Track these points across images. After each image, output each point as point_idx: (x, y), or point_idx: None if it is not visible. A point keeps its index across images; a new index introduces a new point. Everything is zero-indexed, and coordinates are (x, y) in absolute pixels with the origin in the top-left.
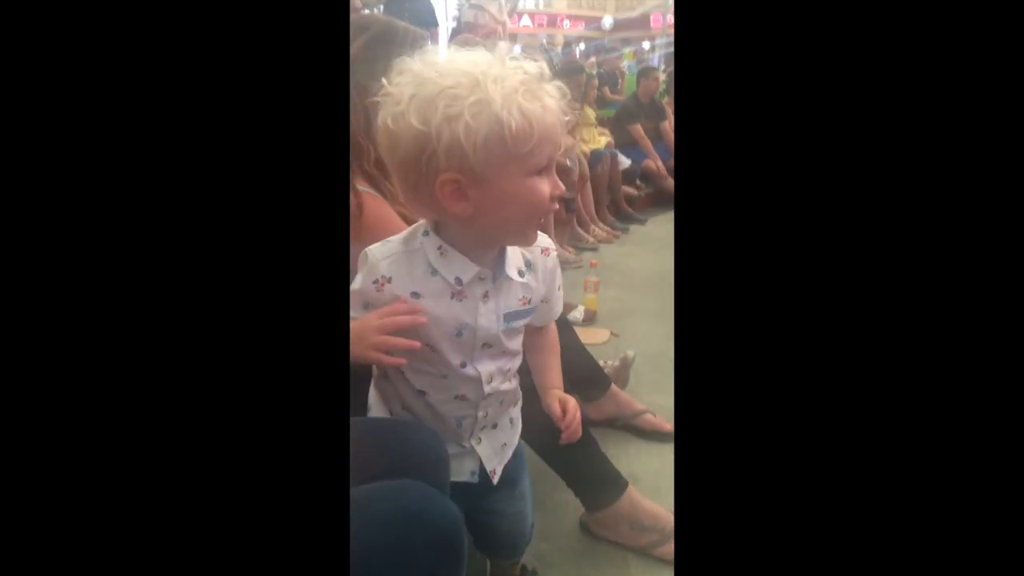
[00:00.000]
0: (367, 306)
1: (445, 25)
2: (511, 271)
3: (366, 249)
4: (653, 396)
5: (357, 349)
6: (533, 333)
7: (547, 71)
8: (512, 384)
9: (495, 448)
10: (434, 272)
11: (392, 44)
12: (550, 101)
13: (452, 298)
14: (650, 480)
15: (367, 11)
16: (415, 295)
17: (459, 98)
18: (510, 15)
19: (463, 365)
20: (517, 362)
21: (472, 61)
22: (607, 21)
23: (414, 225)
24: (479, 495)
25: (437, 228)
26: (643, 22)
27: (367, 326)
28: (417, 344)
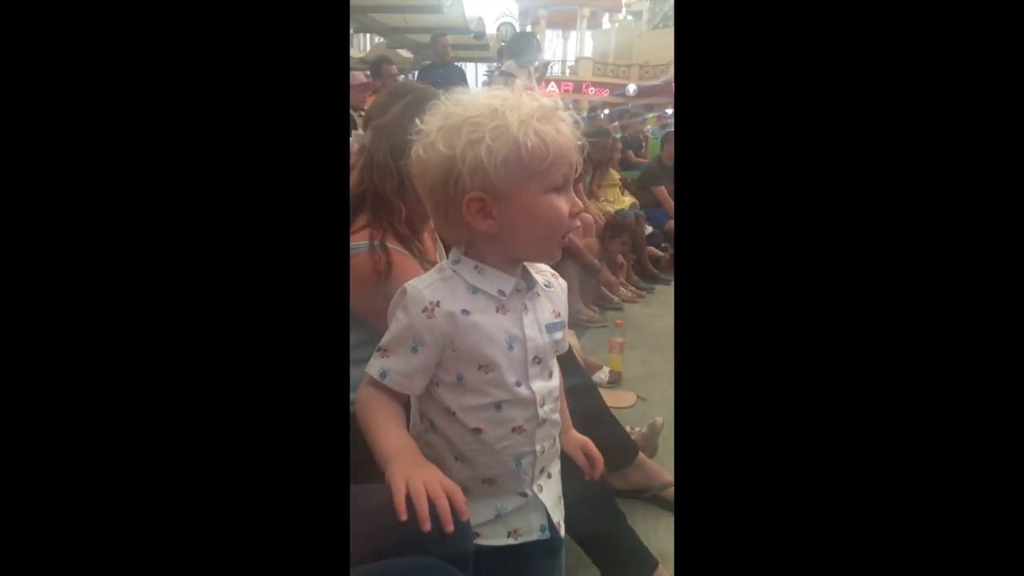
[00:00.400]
0: (418, 343)
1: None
2: (540, 282)
3: (403, 286)
4: None
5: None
6: None
7: (561, 103)
8: (557, 418)
9: (555, 499)
10: (475, 291)
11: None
12: (563, 126)
13: (497, 312)
14: None
15: (402, 77)
16: (465, 312)
17: (481, 125)
18: (539, 82)
19: (518, 384)
20: (556, 383)
21: (492, 95)
22: (631, 88)
23: (438, 264)
24: (519, 561)
25: (468, 252)
26: (666, 89)
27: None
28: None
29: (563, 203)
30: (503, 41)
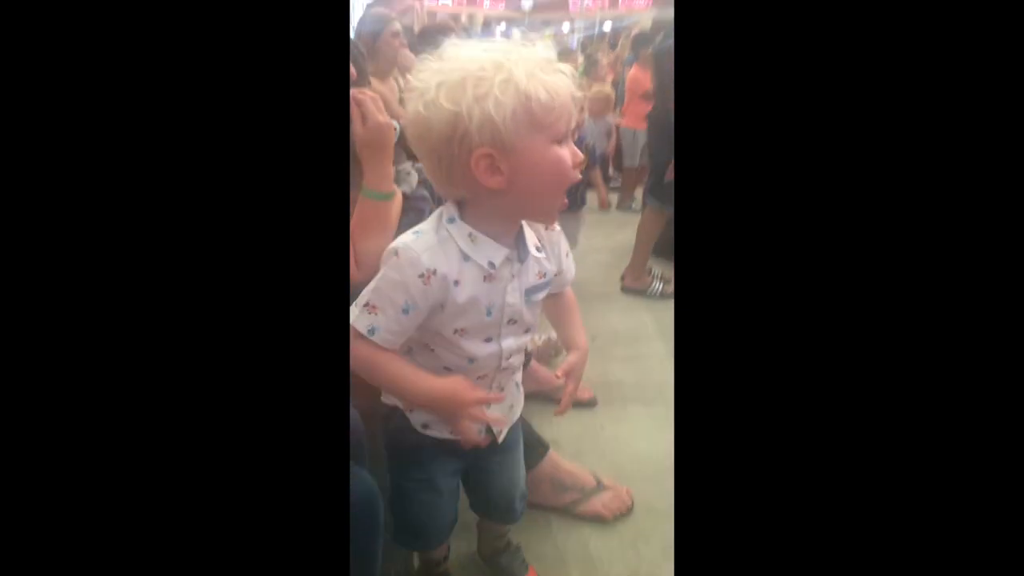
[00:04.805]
0: (411, 306)
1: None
2: (531, 248)
3: (396, 245)
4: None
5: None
6: (552, 299)
7: (554, 54)
8: (517, 362)
9: (503, 410)
10: (466, 258)
11: None
12: (564, 77)
13: (485, 281)
14: (571, 444)
15: None
16: (456, 283)
17: (486, 79)
18: None
19: (488, 340)
20: (529, 338)
21: (490, 49)
22: (526, 3)
23: (433, 215)
24: (478, 456)
25: (462, 214)
26: (562, 4)
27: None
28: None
29: (567, 153)
30: None
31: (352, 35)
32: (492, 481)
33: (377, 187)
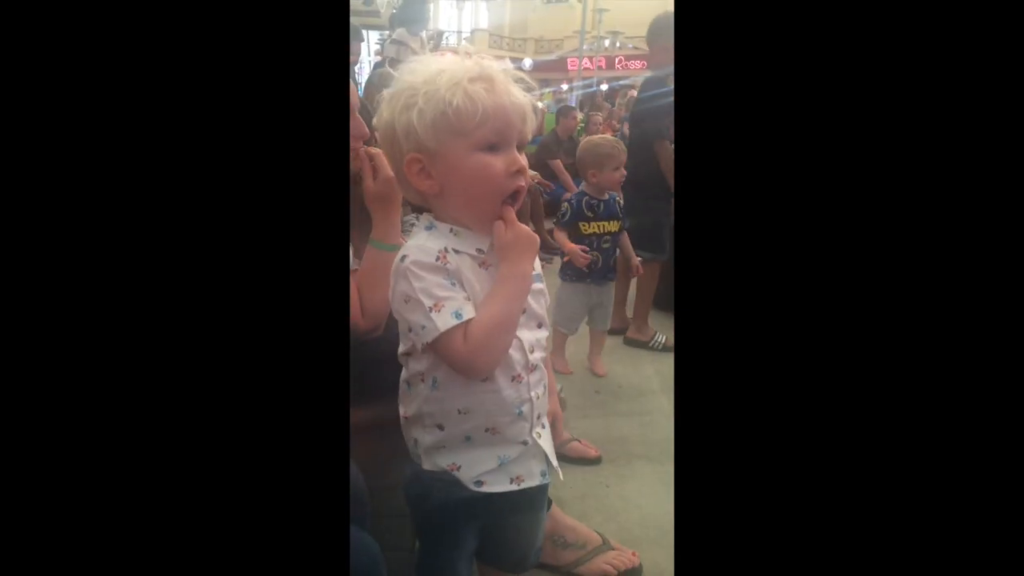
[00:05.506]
0: (452, 279)
1: (369, 59)
2: None
3: (400, 254)
4: (579, 422)
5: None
6: None
7: (511, 67)
8: (543, 365)
9: (550, 445)
10: (457, 251)
11: None
12: (501, 87)
13: (480, 267)
14: (576, 504)
15: None
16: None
17: (417, 89)
18: (432, 52)
19: None
20: (545, 334)
21: (439, 61)
22: (527, 62)
23: (413, 231)
24: (520, 505)
25: (437, 216)
26: (560, 65)
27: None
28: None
29: (498, 161)
30: (394, 8)
31: (360, 93)
32: (515, 537)
33: (385, 239)
